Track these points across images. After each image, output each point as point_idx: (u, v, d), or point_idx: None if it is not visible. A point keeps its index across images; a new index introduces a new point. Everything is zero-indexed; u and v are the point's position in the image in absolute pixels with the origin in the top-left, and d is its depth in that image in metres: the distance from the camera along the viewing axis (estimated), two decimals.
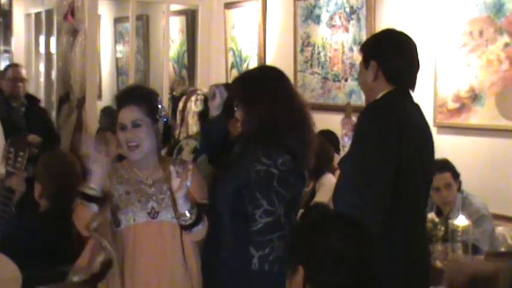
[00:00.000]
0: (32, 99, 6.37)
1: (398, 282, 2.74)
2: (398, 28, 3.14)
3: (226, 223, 2.97)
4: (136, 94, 3.07)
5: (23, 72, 6.28)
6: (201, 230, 2.91)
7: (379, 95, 2.93)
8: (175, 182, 2.81)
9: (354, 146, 2.92)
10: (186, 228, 2.89)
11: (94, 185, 2.88)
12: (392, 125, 2.81)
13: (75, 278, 2.91)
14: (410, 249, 2.89)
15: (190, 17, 7.86)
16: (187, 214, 2.84)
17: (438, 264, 3.70)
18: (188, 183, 2.80)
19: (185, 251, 2.98)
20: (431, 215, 4.15)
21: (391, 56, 2.96)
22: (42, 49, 9.22)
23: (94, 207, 2.88)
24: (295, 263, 2.00)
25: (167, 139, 3.48)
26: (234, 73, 7.14)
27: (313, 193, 5.01)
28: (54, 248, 3.34)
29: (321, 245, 1.94)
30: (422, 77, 4.91)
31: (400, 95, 2.96)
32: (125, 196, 2.96)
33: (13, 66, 6.51)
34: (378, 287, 2.00)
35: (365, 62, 2.97)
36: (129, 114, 2.96)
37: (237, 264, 2.97)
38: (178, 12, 8.03)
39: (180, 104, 7.11)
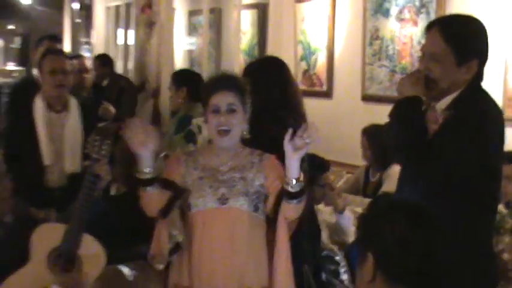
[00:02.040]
0: (98, 89, 6.46)
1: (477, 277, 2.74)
2: None
3: None
4: (233, 81, 3.05)
5: (88, 63, 6.35)
6: (300, 206, 2.89)
7: (458, 91, 2.73)
8: (299, 142, 2.76)
9: (453, 144, 2.66)
10: (288, 196, 2.85)
11: (144, 168, 2.84)
12: (497, 125, 2.73)
13: (160, 267, 2.97)
14: (489, 245, 2.88)
15: (262, 11, 7.86)
16: (294, 181, 2.82)
17: (505, 256, 3.64)
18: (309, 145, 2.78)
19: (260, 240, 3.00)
20: (499, 206, 4.07)
21: (487, 53, 2.77)
22: (120, 41, 9.37)
23: (151, 190, 2.88)
24: (365, 250, 1.98)
25: None
26: (303, 65, 7.14)
27: (379, 183, 4.99)
28: (131, 228, 3.41)
29: (390, 232, 1.93)
30: (492, 69, 4.81)
31: (482, 89, 2.79)
32: (197, 181, 2.97)
33: (77, 57, 6.56)
34: (444, 277, 1.97)
35: (461, 60, 2.70)
36: (225, 99, 2.95)
37: None
38: (250, 6, 8.04)
39: None
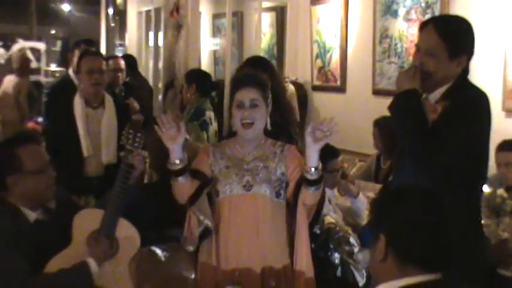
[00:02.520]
0: (129, 87, 6.49)
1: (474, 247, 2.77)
2: (471, 22, 2.97)
3: None
4: (256, 79, 3.05)
5: (122, 63, 6.38)
6: (318, 193, 2.90)
7: (449, 83, 2.78)
8: (320, 134, 2.77)
9: (458, 125, 2.70)
10: (308, 183, 2.85)
11: (175, 160, 2.88)
12: (488, 112, 2.77)
13: (191, 248, 3.00)
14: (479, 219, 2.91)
15: (280, 13, 7.86)
16: (313, 169, 2.82)
17: (505, 235, 3.62)
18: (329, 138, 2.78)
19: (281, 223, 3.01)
20: (500, 191, 4.05)
21: (474, 50, 2.82)
22: (151, 42, 9.41)
23: (182, 180, 2.91)
24: (377, 232, 1.98)
25: None
26: (318, 63, 7.13)
27: (390, 170, 4.97)
28: (163, 213, 3.43)
29: (401, 214, 1.94)
30: (493, 65, 4.81)
31: (469, 81, 2.84)
32: (224, 170, 2.99)
33: (113, 57, 6.59)
34: (453, 253, 1.97)
35: (452, 54, 2.75)
36: (248, 94, 2.95)
37: None
38: (269, 9, 8.04)
39: None
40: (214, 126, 5.42)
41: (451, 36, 2.77)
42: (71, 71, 5.76)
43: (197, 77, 5.88)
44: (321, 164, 2.86)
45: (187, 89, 5.75)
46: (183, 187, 2.93)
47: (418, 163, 2.75)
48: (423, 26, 2.87)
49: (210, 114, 5.46)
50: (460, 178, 2.69)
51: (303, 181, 2.87)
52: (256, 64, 3.83)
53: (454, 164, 2.66)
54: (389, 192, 2.12)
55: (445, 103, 2.72)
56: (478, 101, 2.76)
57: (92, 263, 2.82)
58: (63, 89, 5.40)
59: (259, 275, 2.95)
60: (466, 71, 2.82)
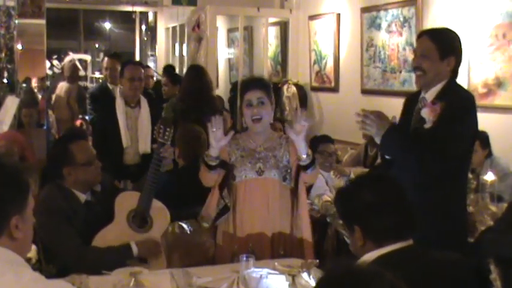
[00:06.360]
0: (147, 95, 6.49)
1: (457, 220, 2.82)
2: None
3: None
4: (261, 81, 3.04)
5: (152, 71, 6.41)
6: (314, 173, 2.91)
7: (442, 82, 2.76)
8: (297, 127, 2.78)
9: (453, 120, 2.67)
10: (303, 168, 2.86)
11: (213, 155, 2.89)
12: (475, 110, 2.78)
13: (206, 225, 3.01)
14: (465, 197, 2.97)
15: (283, 27, 7.83)
16: (304, 156, 2.83)
17: (470, 209, 3.61)
18: (306, 125, 2.79)
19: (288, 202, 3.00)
20: None
21: (461, 54, 2.83)
22: (177, 53, 9.38)
23: (214, 173, 2.93)
24: (351, 224, 1.86)
25: None
26: (316, 68, 7.10)
27: (376, 156, 4.96)
28: (188, 194, 3.43)
29: (358, 204, 1.84)
30: (459, 70, 4.78)
31: (457, 83, 2.84)
32: (240, 158, 2.98)
33: (146, 67, 6.57)
34: (416, 225, 1.86)
35: (442, 55, 2.74)
36: (255, 94, 2.93)
37: None
38: (274, 24, 8.01)
39: None
40: None
41: (441, 40, 2.79)
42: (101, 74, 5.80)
43: (180, 79, 6.33)
44: (310, 150, 2.86)
45: (172, 87, 6.28)
46: (213, 177, 2.95)
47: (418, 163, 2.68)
48: (419, 36, 2.88)
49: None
50: (455, 166, 2.71)
51: (300, 167, 2.88)
52: (199, 70, 4.74)
53: (451, 155, 2.65)
54: (341, 189, 2.00)
55: (442, 104, 2.70)
56: (468, 102, 2.77)
57: (134, 248, 2.82)
58: (102, 94, 5.41)
59: (270, 241, 2.94)
60: (455, 73, 2.81)
